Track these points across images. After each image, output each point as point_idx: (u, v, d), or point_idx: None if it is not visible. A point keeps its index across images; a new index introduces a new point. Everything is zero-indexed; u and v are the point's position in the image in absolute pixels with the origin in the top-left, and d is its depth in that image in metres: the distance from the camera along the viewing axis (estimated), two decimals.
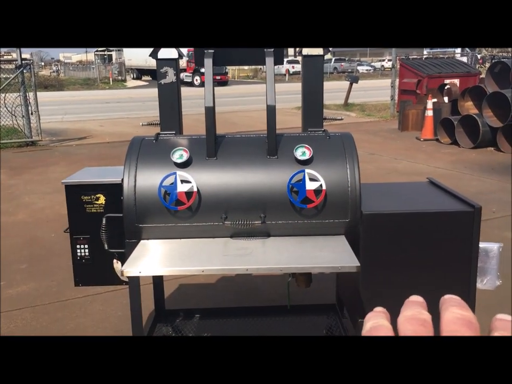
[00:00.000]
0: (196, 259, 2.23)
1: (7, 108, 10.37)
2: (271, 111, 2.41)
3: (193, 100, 11.25)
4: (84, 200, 2.54)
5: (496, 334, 0.42)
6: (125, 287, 2.66)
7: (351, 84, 15.96)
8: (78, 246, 2.58)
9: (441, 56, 15.59)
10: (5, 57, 15.60)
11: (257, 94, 19.34)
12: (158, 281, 3.19)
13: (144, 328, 2.87)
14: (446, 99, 10.52)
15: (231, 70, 37.99)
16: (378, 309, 0.48)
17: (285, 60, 36.77)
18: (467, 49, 22.95)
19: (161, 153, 2.41)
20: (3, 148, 10.14)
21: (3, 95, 10.31)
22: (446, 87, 10.89)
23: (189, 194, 2.29)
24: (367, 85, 24.14)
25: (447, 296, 0.47)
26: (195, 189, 2.29)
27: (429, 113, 10.15)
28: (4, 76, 10.46)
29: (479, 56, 25.23)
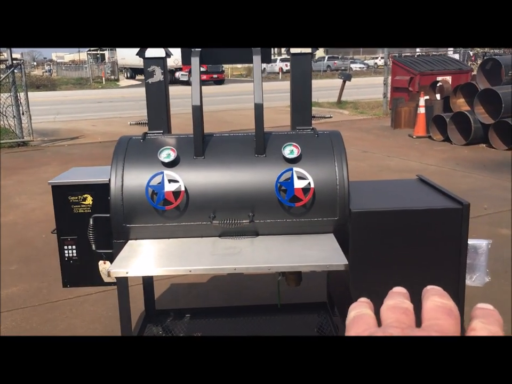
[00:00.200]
0: (184, 259, 2.21)
1: None
2: (258, 109, 2.41)
3: (187, 99, 11.19)
4: (71, 201, 2.51)
5: (476, 321, 0.43)
6: (115, 287, 2.64)
7: (344, 82, 15.99)
8: (65, 247, 2.55)
9: (433, 53, 15.61)
10: None
11: (252, 92, 19.28)
12: (148, 281, 3.17)
13: (134, 329, 2.86)
14: (438, 96, 10.54)
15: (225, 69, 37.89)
16: (363, 299, 0.50)
17: (279, 58, 36.82)
18: None
19: (148, 153, 2.39)
20: None
21: None
22: (438, 84, 10.91)
23: (176, 193, 2.27)
24: (360, 82, 24.20)
25: (429, 287, 0.49)
26: (183, 189, 2.28)
27: (421, 110, 10.18)
28: None
29: (471, 53, 25.31)
